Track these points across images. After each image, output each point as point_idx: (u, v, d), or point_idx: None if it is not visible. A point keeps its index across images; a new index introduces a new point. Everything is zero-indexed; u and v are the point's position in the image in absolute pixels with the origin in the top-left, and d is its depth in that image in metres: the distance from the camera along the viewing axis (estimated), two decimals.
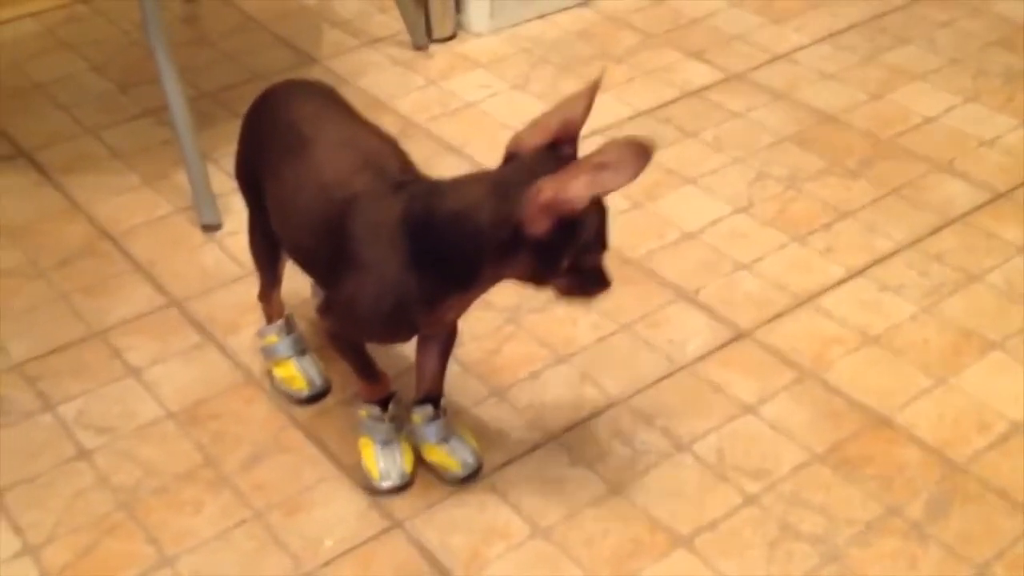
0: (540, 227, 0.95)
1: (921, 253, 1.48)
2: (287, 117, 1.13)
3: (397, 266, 1.01)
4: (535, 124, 1.01)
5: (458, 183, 1.03)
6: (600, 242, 1.01)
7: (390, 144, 1.12)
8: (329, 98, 1.17)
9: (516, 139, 1.01)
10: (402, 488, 1.16)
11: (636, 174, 0.94)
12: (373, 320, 1.06)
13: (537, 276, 1.02)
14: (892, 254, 1.48)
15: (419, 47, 1.95)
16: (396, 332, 1.10)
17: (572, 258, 0.99)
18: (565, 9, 2.05)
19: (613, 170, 0.94)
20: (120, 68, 1.91)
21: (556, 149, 0.99)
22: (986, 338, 1.34)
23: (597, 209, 0.99)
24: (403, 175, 1.07)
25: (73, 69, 1.92)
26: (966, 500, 1.15)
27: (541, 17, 2.03)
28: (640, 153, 0.94)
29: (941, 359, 1.32)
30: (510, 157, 1.01)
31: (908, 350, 1.33)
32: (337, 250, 1.04)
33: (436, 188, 1.04)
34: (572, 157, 0.99)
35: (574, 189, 0.94)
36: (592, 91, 1.00)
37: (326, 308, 1.11)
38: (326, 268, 1.09)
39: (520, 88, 1.84)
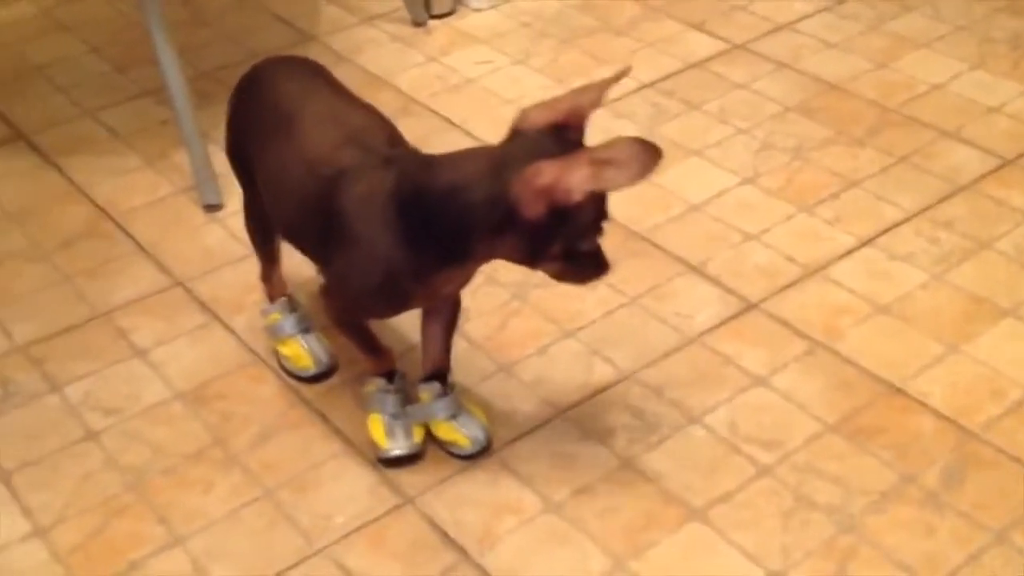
0: (533, 210, 0.93)
1: (930, 221, 1.46)
2: (272, 95, 1.12)
3: (388, 240, 0.99)
4: (544, 104, 0.98)
5: (453, 158, 1.00)
6: (596, 230, 0.98)
7: (378, 118, 1.11)
8: (315, 74, 1.16)
9: (523, 115, 0.98)
10: (411, 457, 1.16)
11: (641, 177, 0.91)
12: (366, 294, 1.05)
13: (526, 259, 0.99)
14: (901, 222, 1.47)
15: (418, 23, 1.94)
16: (391, 304, 1.08)
17: (563, 245, 0.97)
18: None
19: (618, 168, 0.91)
20: (118, 49, 1.89)
21: (562, 132, 0.97)
22: (998, 305, 1.33)
23: (595, 198, 0.95)
24: (391, 149, 1.05)
25: (71, 51, 1.90)
26: (981, 468, 1.14)
27: None
28: (649, 156, 0.91)
29: (953, 327, 1.31)
30: (514, 134, 0.98)
31: (919, 318, 1.32)
32: (327, 227, 1.03)
33: (429, 162, 1.01)
34: (578, 143, 0.97)
35: (574, 179, 0.91)
36: (608, 83, 0.97)
37: (325, 288, 1.10)
38: (318, 245, 1.08)
39: (521, 63, 1.82)
